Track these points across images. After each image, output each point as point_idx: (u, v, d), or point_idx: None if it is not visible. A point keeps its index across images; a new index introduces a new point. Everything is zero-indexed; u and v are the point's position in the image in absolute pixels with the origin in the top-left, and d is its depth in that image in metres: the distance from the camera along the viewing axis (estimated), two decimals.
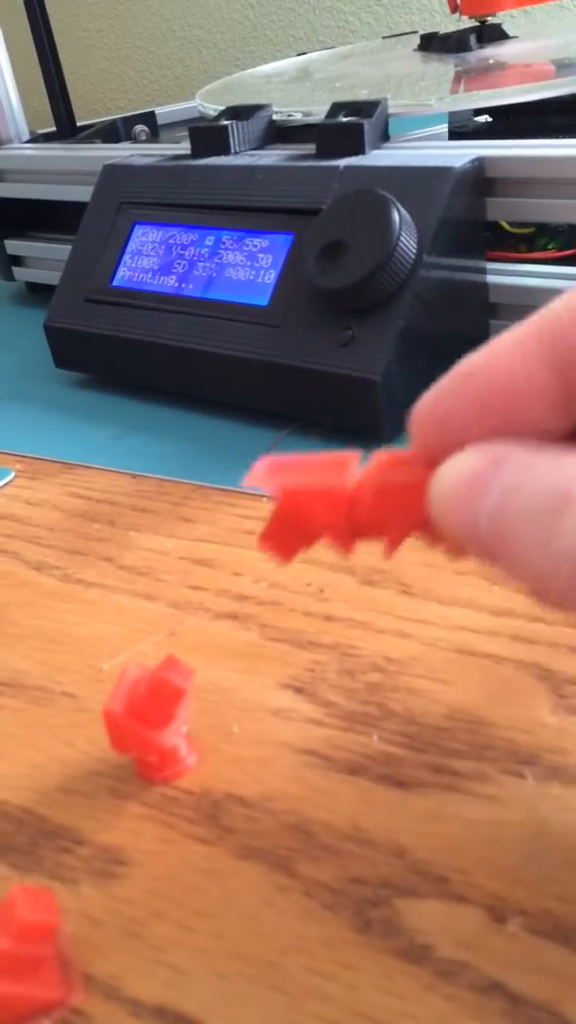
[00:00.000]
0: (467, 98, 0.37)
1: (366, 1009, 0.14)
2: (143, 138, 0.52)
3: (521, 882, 0.16)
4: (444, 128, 0.43)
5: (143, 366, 0.36)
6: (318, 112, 0.36)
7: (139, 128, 0.53)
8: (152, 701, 0.18)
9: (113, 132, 0.51)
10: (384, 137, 0.36)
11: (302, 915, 0.16)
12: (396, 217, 0.28)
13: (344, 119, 0.34)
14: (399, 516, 0.15)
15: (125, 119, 0.52)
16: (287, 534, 0.16)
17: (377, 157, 0.33)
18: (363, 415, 0.30)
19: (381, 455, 0.15)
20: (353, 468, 0.15)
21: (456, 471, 0.13)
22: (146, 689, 0.18)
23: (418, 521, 0.15)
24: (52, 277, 0.46)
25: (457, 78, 0.43)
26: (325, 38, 1.01)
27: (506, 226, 0.35)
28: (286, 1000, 0.14)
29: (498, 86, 0.38)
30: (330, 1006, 0.14)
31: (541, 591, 0.13)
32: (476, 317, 0.33)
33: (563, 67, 0.41)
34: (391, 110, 0.36)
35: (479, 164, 0.31)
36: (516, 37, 0.49)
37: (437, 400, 0.14)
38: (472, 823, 0.17)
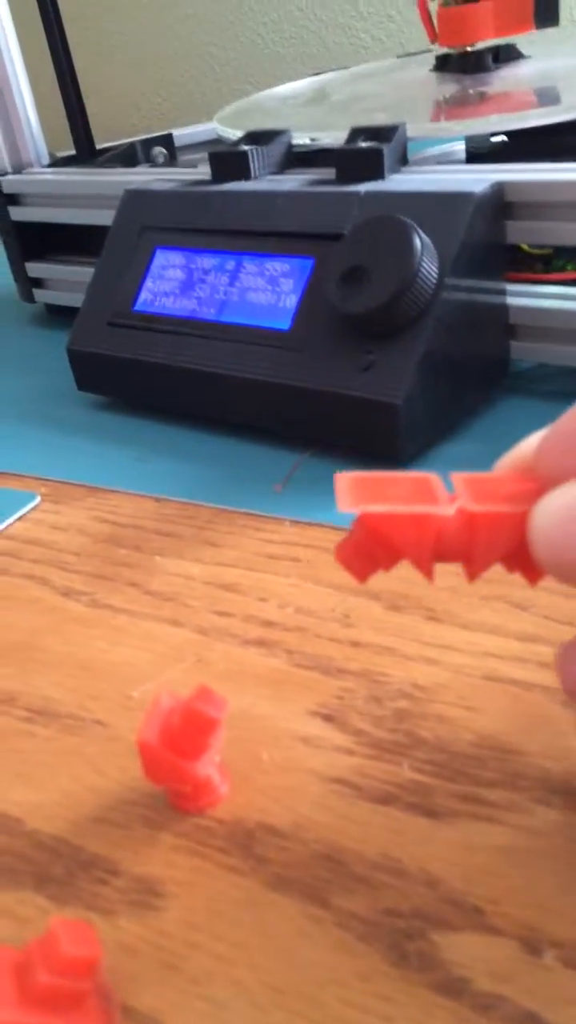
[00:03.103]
0: (484, 123, 0.37)
1: None
2: (161, 161, 0.53)
3: (555, 912, 0.16)
4: (461, 146, 0.43)
5: (165, 389, 0.37)
6: (337, 137, 0.37)
7: (157, 151, 0.53)
8: (186, 732, 0.18)
9: (132, 155, 0.51)
10: (403, 161, 0.36)
11: (337, 947, 0.16)
12: (417, 243, 0.29)
13: (363, 144, 0.35)
14: (489, 544, 0.15)
15: (144, 142, 0.53)
16: (367, 554, 0.16)
17: (397, 182, 0.33)
18: (384, 438, 0.30)
19: (465, 480, 0.15)
20: (437, 491, 0.15)
21: (560, 500, 0.14)
22: (180, 720, 0.18)
23: (506, 549, 0.15)
24: (72, 299, 0.47)
25: (473, 100, 0.43)
26: (338, 55, 1.02)
27: (525, 247, 0.35)
28: None
29: (513, 109, 0.38)
30: None
31: None
32: (496, 339, 0.34)
33: (572, 90, 0.41)
34: (409, 134, 0.36)
35: (499, 188, 0.31)
36: (531, 57, 0.49)
37: (570, 423, 0.14)
38: (504, 852, 0.17)
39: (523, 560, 0.14)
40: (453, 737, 0.20)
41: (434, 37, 0.51)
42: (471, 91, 0.46)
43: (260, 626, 0.25)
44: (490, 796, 0.18)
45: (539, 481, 0.14)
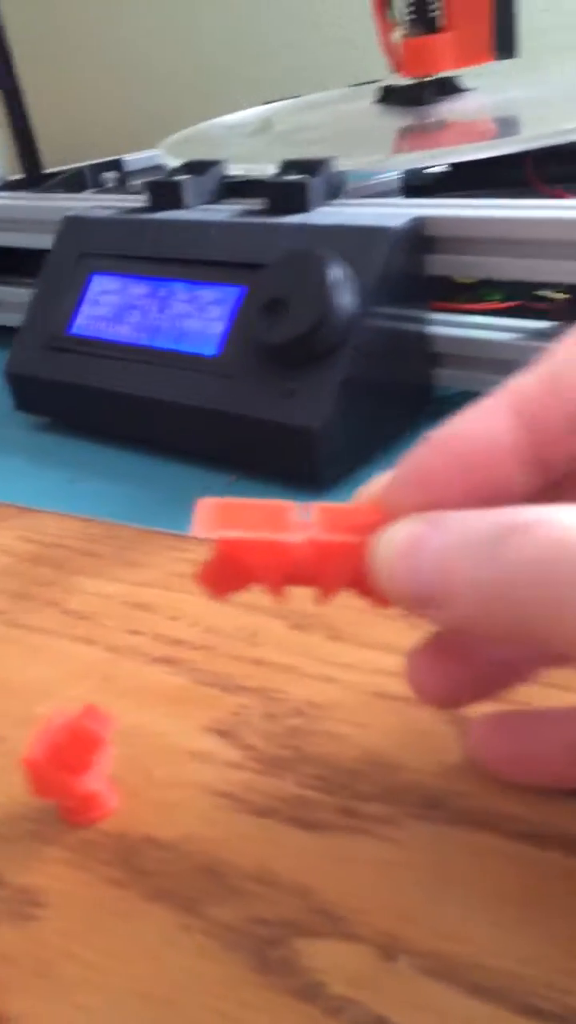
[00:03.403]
0: (410, 158, 0.39)
1: None
2: (110, 185, 0.54)
3: (415, 922, 0.17)
4: (399, 178, 0.45)
5: (100, 412, 0.37)
6: (270, 169, 0.38)
7: (107, 175, 0.54)
8: (72, 748, 0.19)
9: (80, 180, 0.52)
10: (334, 193, 0.37)
11: (203, 954, 0.16)
12: (332, 276, 0.30)
13: (291, 177, 0.36)
14: (336, 571, 0.16)
15: (93, 166, 0.54)
16: (224, 577, 0.17)
17: (322, 215, 0.35)
18: (304, 463, 0.31)
19: (320, 509, 0.16)
20: (291, 518, 0.16)
21: (399, 533, 0.15)
22: (66, 736, 0.19)
23: (353, 577, 0.16)
24: (12, 319, 0.48)
25: (406, 134, 0.44)
26: (299, 79, 1.04)
27: (456, 278, 0.37)
28: None
29: (442, 145, 0.40)
30: None
31: (486, 619, 0.14)
32: (420, 367, 0.35)
33: (508, 125, 0.42)
34: (340, 167, 0.37)
35: (419, 223, 0.32)
36: (474, 90, 0.51)
37: (417, 461, 0.15)
38: (375, 864, 0.18)
39: (371, 586, 0.15)
40: (339, 753, 0.21)
41: (397, 67, 0.53)
42: (411, 124, 0.47)
43: (168, 644, 0.25)
44: (367, 809, 0.19)
45: (384, 514, 0.15)
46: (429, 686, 0.18)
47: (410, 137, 0.45)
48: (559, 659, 0.17)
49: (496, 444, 0.14)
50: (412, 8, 0.49)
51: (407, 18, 0.49)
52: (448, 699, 0.18)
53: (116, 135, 1.17)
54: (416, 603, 0.15)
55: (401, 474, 0.15)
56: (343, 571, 0.15)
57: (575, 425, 0.14)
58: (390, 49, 0.52)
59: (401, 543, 0.14)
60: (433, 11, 0.49)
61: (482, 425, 0.15)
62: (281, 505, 0.16)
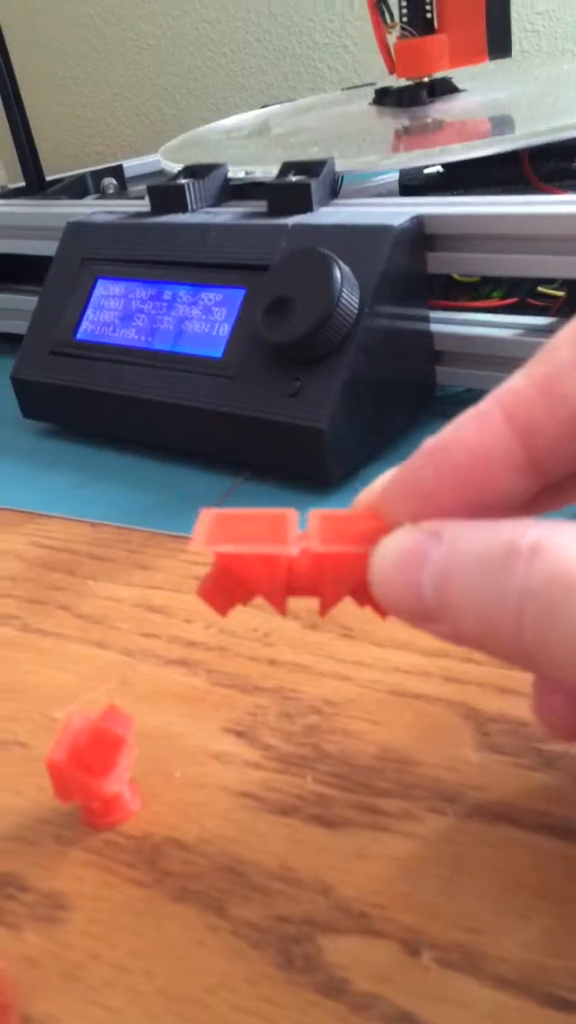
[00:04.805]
0: (407, 158, 0.39)
1: None
2: (111, 191, 0.54)
3: (435, 915, 0.17)
4: (395, 178, 0.45)
5: (106, 417, 0.37)
6: (271, 171, 0.38)
7: (107, 181, 0.55)
8: (94, 750, 0.19)
9: (81, 186, 0.52)
10: (333, 193, 0.38)
11: (229, 953, 0.17)
12: (337, 274, 0.30)
13: (293, 178, 0.36)
14: (335, 582, 0.16)
15: (94, 173, 0.54)
16: (225, 590, 0.17)
17: (324, 215, 0.35)
18: (312, 462, 0.31)
19: (319, 517, 0.16)
20: (290, 529, 0.16)
21: (397, 545, 0.14)
22: (88, 739, 0.19)
23: (353, 587, 0.16)
24: (16, 327, 0.48)
25: (402, 135, 0.45)
26: (296, 84, 1.04)
27: (456, 276, 0.37)
28: None
29: (438, 144, 0.40)
30: None
31: (487, 641, 0.14)
32: (422, 365, 0.35)
33: (502, 123, 0.43)
34: (338, 168, 0.37)
35: (418, 221, 0.33)
36: (466, 91, 0.51)
37: (409, 472, 0.15)
38: (394, 860, 0.18)
39: (370, 596, 0.15)
40: (356, 750, 0.21)
41: (392, 69, 0.53)
42: (405, 125, 0.47)
43: (183, 646, 0.25)
44: (385, 806, 0.19)
45: (383, 522, 0.15)
46: (558, 719, 0.17)
47: (406, 137, 0.45)
48: None
49: (489, 452, 0.14)
50: (407, 10, 0.49)
51: (402, 20, 0.49)
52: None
53: (113, 142, 1.17)
54: (414, 617, 0.14)
55: (396, 484, 0.15)
56: (343, 582, 0.15)
57: (571, 429, 0.14)
58: (386, 51, 0.52)
59: (398, 556, 0.14)
60: (428, 13, 0.49)
61: (475, 434, 0.14)
62: (282, 514, 0.16)
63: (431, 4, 0.49)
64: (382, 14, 0.49)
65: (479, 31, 0.49)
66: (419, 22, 0.49)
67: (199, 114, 1.09)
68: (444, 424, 0.15)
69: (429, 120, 0.47)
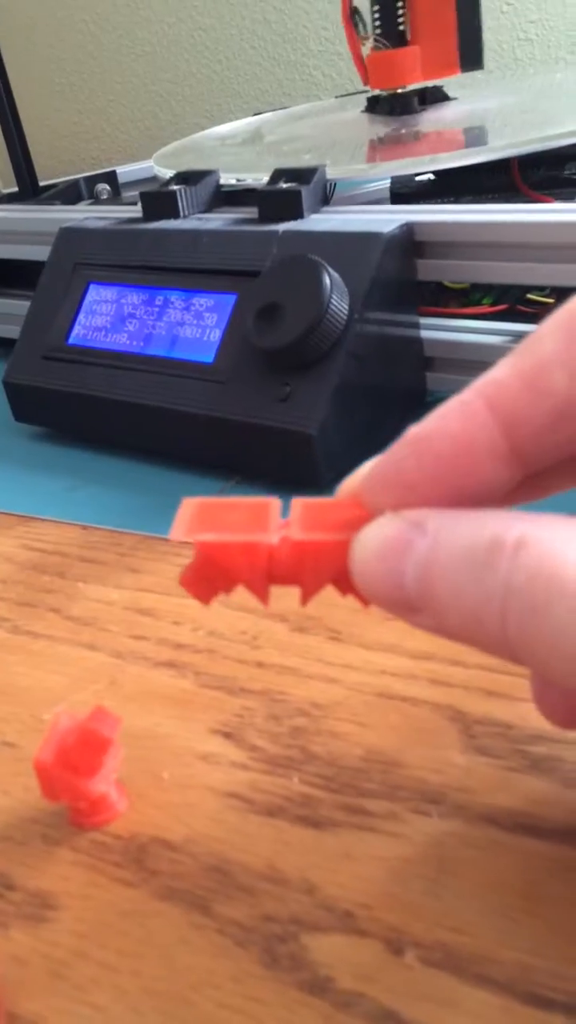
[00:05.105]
0: (400, 165, 0.39)
1: None
2: (104, 197, 0.54)
3: (419, 915, 0.17)
4: (387, 185, 0.45)
5: (98, 421, 0.38)
6: (262, 178, 0.38)
7: (101, 187, 0.55)
8: (81, 751, 0.19)
9: (75, 191, 0.53)
10: (324, 201, 0.38)
11: (215, 952, 0.17)
12: (327, 281, 0.30)
13: (284, 185, 0.36)
14: (316, 571, 0.16)
15: (88, 178, 0.54)
16: (206, 579, 0.17)
17: (314, 222, 0.35)
18: (302, 467, 0.31)
19: (301, 505, 0.16)
20: (272, 517, 0.16)
21: (379, 534, 0.14)
22: (75, 739, 0.19)
23: (334, 575, 0.16)
24: (9, 331, 0.48)
25: (393, 143, 0.45)
26: (291, 91, 1.05)
27: (446, 282, 0.37)
28: None
29: (429, 152, 0.40)
30: None
31: (469, 636, 0.14)
32: (412, 371, 0.35)
33: (492, 132, 0.43)
34: (329, 175, 0.38)
35: (408, 229, 0.33)
36: (457, 99, 0.52)
37: (392, 462, 0.15)
38: (379, 860, 0.18)
39: (352, 585, 0.15)
40: (343, 752, 0.21)
41: (366, 80, 0.53)
42: (396, 133, 0.48)
43: (172, 649, 0.25)
44: (371, 807, 0.19)
45: (366, 510, 0.15)
46: (559, 715, 0.17)
47: (397, 146, 0.46)
48: None
49: (472, 442, 0.14)
50: (380, 22, 0.49)
51: (375, 32, 0.49)
52: None
53: (109, 148, 1.17)
54: (396, 607, 0.14)
55: (378, 472, 0.15)
56: (323, 570, 0.15)
57: (554, 420, 0.14)
58: (360, 63, 0.52)
59: (380, 545, 0.14)
60: (400, 25, 0.49)
61: (457, 423, 0.14)
62: (265, 503, 0.16)
63: (404, 16, 0.49)
64: (356, 26, 0.50)
65: (451, 44, 0.49)
66: (392, 34, 0.49)
67: (194, 120, 1.10)
68: None
69: (420, 129, 0.48)
